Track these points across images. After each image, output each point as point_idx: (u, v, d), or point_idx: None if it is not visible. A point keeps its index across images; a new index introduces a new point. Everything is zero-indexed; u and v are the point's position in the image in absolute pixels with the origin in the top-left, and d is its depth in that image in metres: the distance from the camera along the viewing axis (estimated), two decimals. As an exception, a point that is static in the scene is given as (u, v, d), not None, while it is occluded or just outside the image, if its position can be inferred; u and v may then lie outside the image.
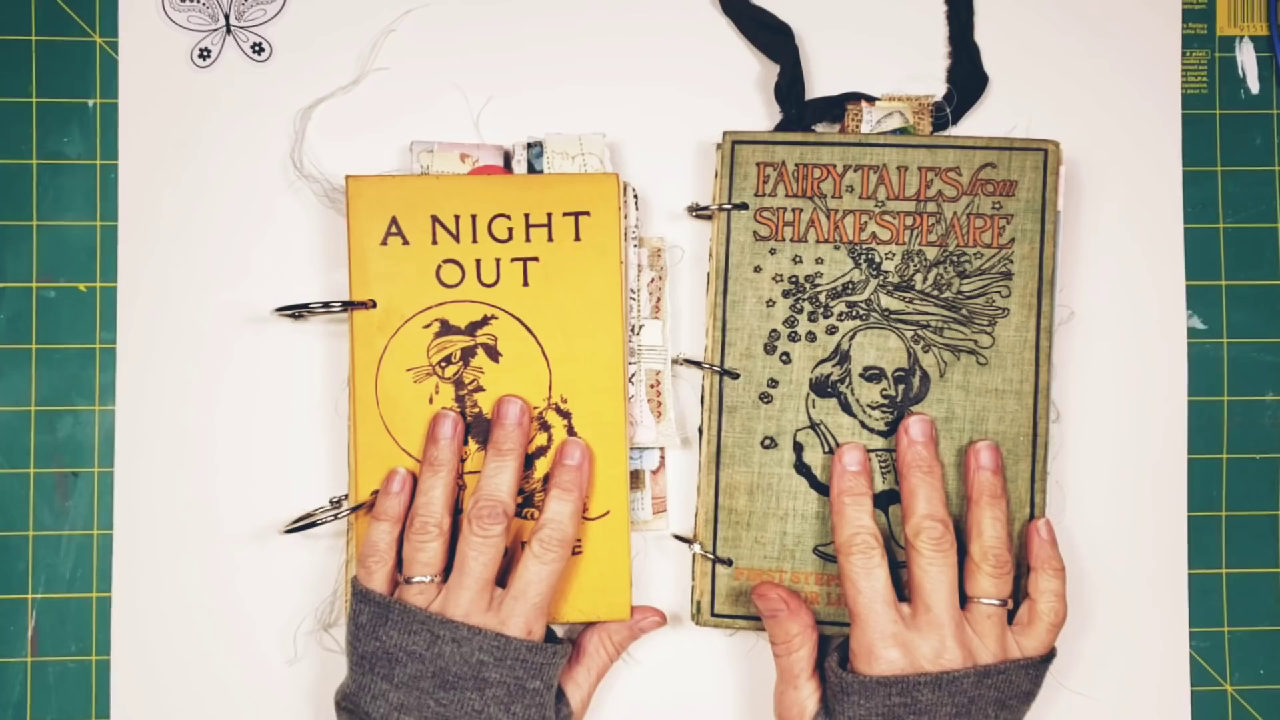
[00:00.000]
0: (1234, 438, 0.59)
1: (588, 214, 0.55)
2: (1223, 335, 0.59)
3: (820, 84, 0.59)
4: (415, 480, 0.54)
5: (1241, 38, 0.60)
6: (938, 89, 0.59)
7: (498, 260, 0.55)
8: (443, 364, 0.55)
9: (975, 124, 0.59)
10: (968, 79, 0.58)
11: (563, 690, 0.54)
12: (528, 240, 0.55)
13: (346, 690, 0.52)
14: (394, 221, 0.55)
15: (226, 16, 0.59)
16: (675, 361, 0.58)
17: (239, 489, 0.58)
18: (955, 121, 0.58)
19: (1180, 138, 0.59)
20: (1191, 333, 0.59)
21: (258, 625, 0.58)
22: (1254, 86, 0.60)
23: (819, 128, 0.58)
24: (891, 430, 0.55)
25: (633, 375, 0.57)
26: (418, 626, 0.51)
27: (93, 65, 0.59)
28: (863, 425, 0.56)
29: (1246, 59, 0.60)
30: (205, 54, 0.59)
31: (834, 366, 0.56)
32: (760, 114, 0.59)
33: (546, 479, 0.55)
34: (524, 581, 0.52)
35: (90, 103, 0.59)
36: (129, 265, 0.58)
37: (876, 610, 0.50)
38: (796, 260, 0.56)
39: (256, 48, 0.59)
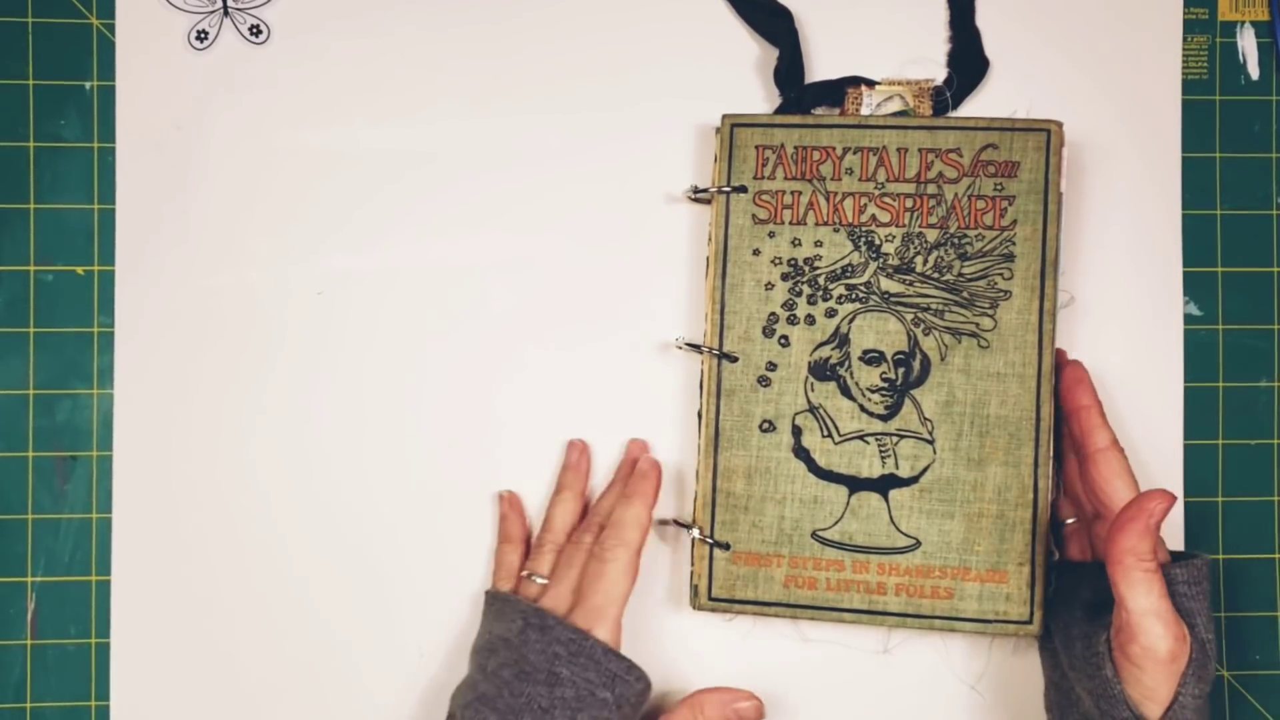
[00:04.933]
0: (1230, 424, 0.59)
1: None
2: (1219, 321, 0.59)
3: (820, 68, 0.59)
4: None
5: (1243, 23, 0.60)
6: (938, 73, 0.58)
7: None
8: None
9: (975, 108, 0.58)
10: (968, 63, 0.58)
11: None
12: None
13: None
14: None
15: (224, -1, 0.59)
16: (675, 345, 0.58)
17: (238, 472, 0.58)
18: (955, 106, 0.58)
19: (1180, 124, 0.59)
20: (1188, 319, 0.59)
21: (257, 607, 0.58)
22: (1254, 72, 0.60)
23: (818, 111, 0.58)
24: (891, 414, 0.55)
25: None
26: (514, 613, 0.53)
27: (90, 47, 0.59)
28: (862, 409, 0.55)
29: (1247, 45, 0.60)
30: (203, 36, 0.59)
31: (833, 350, 0.56)
32: (759, 97, 0.59)
33: None
34: (586, 582, 0.53)
35: (87, 85, 0.59)
36: (127, 248, 0.58)
37: None
38: (795, 243, 0.56)
39: (254, 30, 0.59)
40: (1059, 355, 0.56)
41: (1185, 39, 0.59)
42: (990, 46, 0.59)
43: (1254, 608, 0.59)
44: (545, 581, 0.55)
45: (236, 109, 0.59)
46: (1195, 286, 0.59)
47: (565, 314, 0.59)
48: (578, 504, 0.57)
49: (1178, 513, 0.58)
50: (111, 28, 0.59)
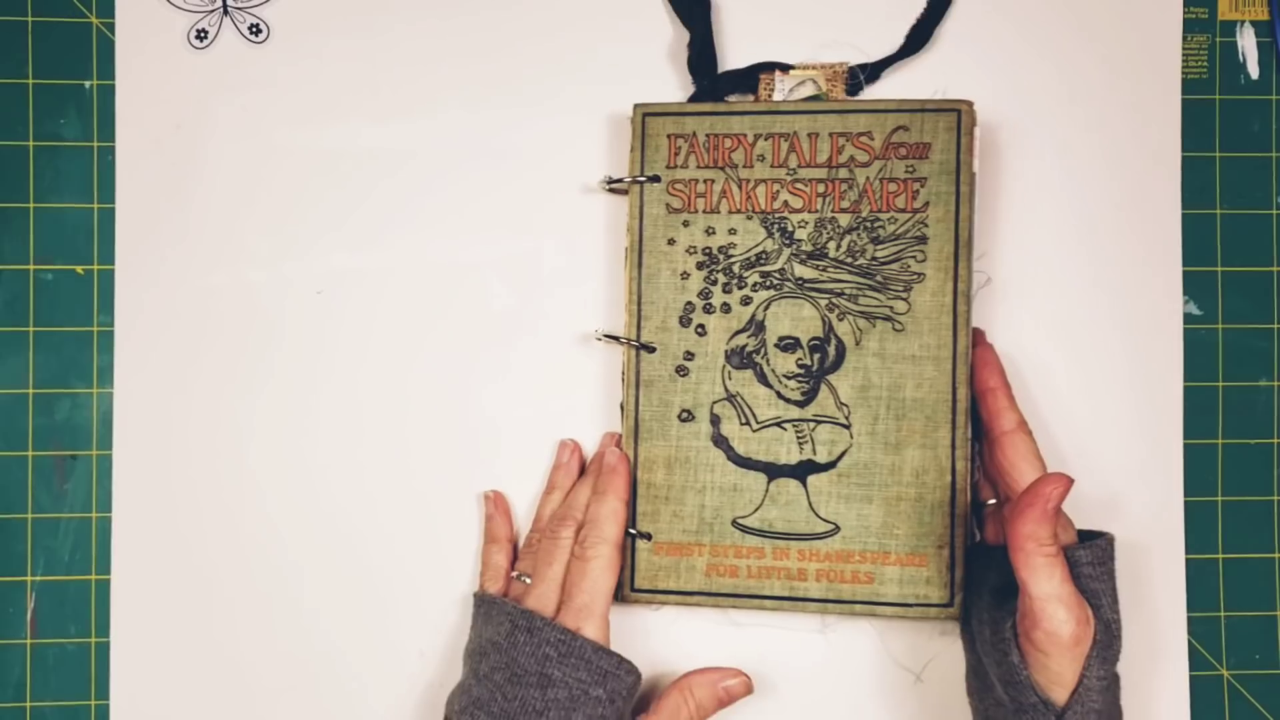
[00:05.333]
0: (1229, 423, 0.59)
1: None
2: (1218, 321, 0.59)
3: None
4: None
5: (1242, 22, 0.60)
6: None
7: None
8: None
9: (974, 105, 0.58)
10: (918, 35, 0.58)
11: None
12: None
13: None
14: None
15: (223, -2, 0.59)
16: (595, 337, 0.58)
17: (238, 471, 0.58)
18: (877, 78, 0.57)
19: (1180, 123, 0.59)
20: (1187, 318, 0.59)
21: (256, 606, 0.58)
22: (1254, 72, 0.60)
23: (732, 98, 0.57)
24: (808, 400, 0.55)
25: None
26: (501, 616, 0.53)
27: (89, 46, 0.59)
28: (779, 396, 0.55)
29: (1247, 44, 0.60)
30: (202, 35, 0.59)
31: (749, 337, 0.56)
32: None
33: None
34: (570, 580, 0.53)
35: (87, 84, 0.59)
36: (127, 247, 0.58)
37: None
38: (710, 232, 0.56)
39: (254, 29, 0.59)
40: (976, 336, 0.56)
41: (1185, 38, 0.59)
42: (987, 44, 0.59)
43: (1254, 608, 0.59)
44: (530, 580, 0.55)
45: (236, 108, 0.59)
46: (1195, 286, 0.59)
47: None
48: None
49: (1178, 513, 0.58)
50: (111, 27, 0.59)
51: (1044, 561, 0.47)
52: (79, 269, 0.59)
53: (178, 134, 0.58)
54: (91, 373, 0.58)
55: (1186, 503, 0.59)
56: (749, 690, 0.55)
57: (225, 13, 0.59)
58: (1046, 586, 0.47)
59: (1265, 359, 0.59)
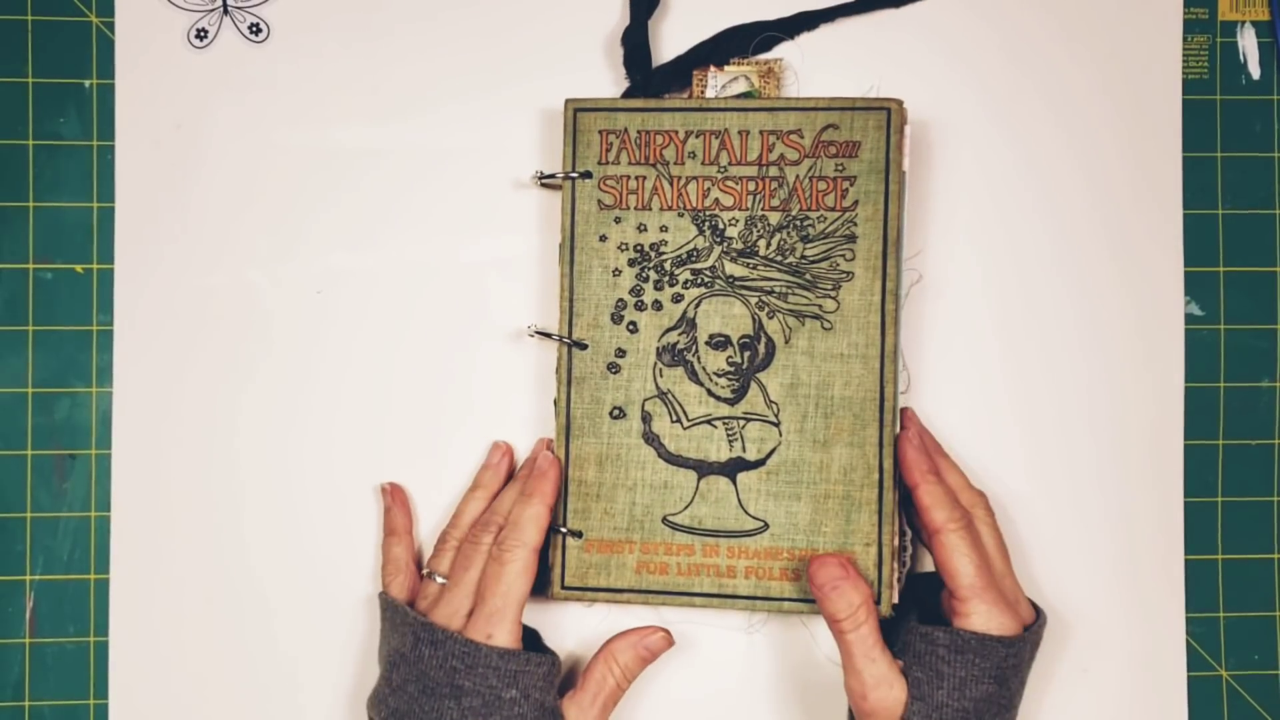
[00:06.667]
0: (1230, 423, 0.59)
1: None
2: (1220, 321, 0.59)
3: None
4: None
5: (1243, 23, 0.60)
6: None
7: None
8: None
9: (972, 106, 0.58)
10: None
11: (563, 714, 0.53)
12: None
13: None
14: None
15: (223, -3, 0.59)
16: (527, 333, 0.57)
17: (237, 471, 0.58)
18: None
19: (1180, 123, 0.59)
20: (1189, 319, 0.59)
21: (255, 606, 0.58)
22: (1255, 72, 0.60)
23: (667, 95, 0.57)
24: (738, 398, 0.55)
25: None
26: (405, 627, 0.53)
27: (89, 45, 0.59)
28: (709, 393, 0.55)
29: (1248, 44, 0.60)
30: (202, 34, 0.59)
31: (680, 335, 0.56)
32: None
33: None
34: (485, 583, 0.52)
35: (87, 83, 0.59)
36: (126, 247, 0.58)
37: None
38: (641, 228, 0.56)
39: (254, 28, 0.59)
40: (903, 416, 0.56)
41: (1185, 39, 0.59)
42: (987, 45, 0.59)
43: (1254, 608, 0.59)
44: (445, 581, 0.54)
45: (236, 107, 0.59)
46: (1196, 286, 0.59)
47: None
48: (488, 504, 0.56)
49: (1177, 513, 0.58)
50: (111, 26, 0.59)
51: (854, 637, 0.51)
52: (78, 268, 0.59)
53: (178, 134, 0.58)
54: (90, 372, 0.58)
55: (1186, 503, 0.59)
56: (670, 643, 0.55)
57: (225, 12, 0.59)
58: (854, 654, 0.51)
59: (1267, 359, 0.59)
